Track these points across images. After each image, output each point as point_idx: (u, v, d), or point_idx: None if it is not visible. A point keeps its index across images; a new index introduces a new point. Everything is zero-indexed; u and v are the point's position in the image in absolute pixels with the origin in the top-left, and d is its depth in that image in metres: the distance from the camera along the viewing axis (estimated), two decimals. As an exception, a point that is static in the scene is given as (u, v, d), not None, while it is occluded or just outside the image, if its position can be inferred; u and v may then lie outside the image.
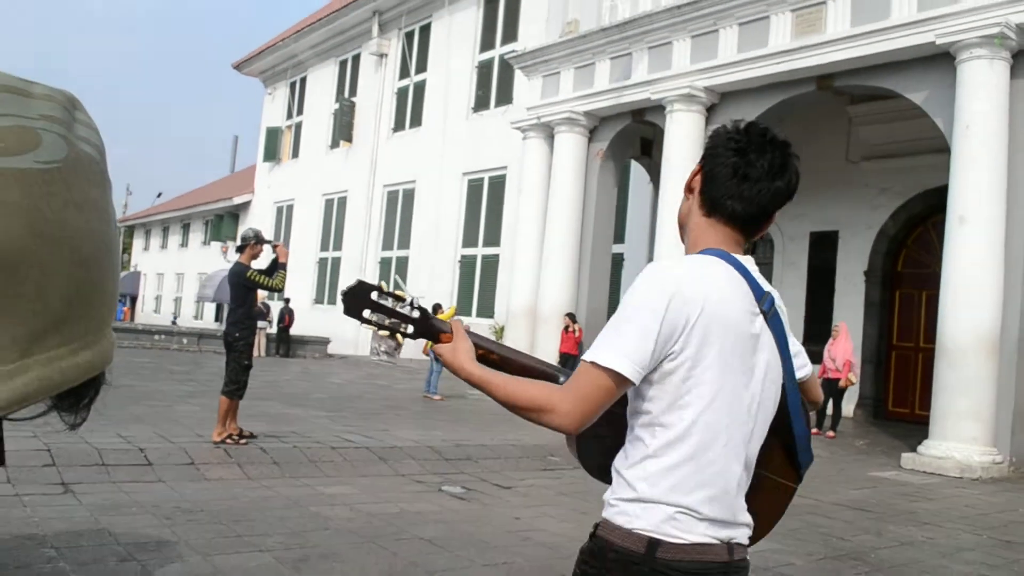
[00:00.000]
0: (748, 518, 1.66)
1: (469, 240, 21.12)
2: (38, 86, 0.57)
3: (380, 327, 1.79)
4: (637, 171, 16.44)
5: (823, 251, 14.71)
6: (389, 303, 1.77)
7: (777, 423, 1.71)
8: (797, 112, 12.38)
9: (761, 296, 1.65)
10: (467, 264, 21.02)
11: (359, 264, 24.78)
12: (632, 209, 17.05)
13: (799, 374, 1.78)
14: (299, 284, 25.59)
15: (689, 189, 1.74)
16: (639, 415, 1.62)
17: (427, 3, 23.24)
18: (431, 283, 21.64)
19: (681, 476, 1.58)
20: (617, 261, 16.29)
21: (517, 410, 1.58)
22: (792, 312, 14.96)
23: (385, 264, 24.09)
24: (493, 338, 18.12)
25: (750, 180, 1.66)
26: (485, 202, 20.72)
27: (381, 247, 24.38)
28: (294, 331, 22.55)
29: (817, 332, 14.10)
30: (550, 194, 13.98)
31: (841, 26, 10.37)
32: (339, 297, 1.70)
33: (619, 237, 16.12)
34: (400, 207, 23.81)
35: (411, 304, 1.78)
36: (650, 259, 13.60)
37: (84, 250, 0.54)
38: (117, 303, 0.60)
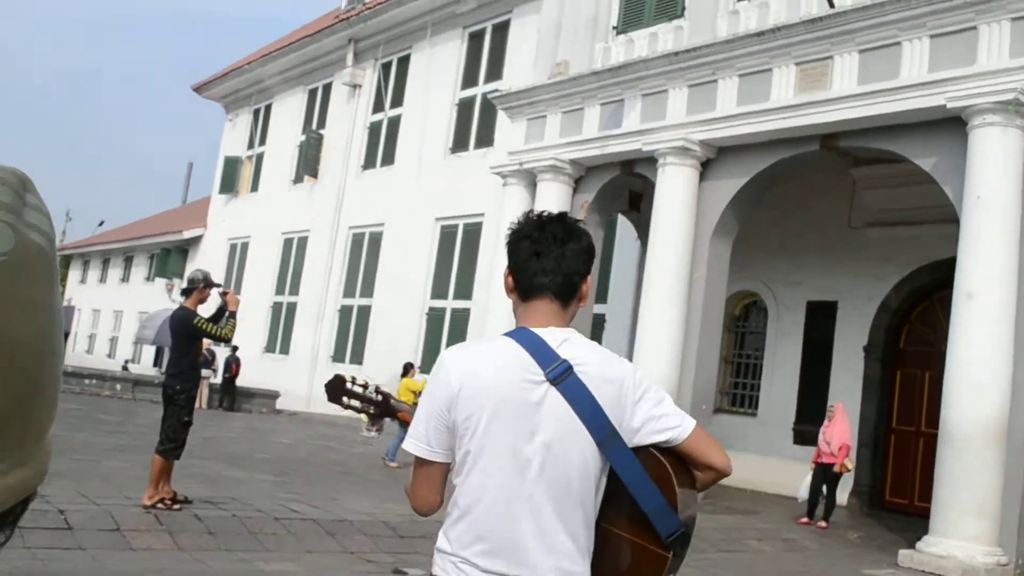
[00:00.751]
0: None
1: (439, 291, 21.09)
2: None
3: (353, 409, 2.51)
4: (624, 226, 16.54)
5: (821, 322, 14.81)
6: (359, 391, 2.49)
7: (613, 485, 2.01)
8: (798, 172, 12.55)
9: (549, 363, 1.97)
10: (435, 318, 20.97)
11: (317, 311, 24.66)
12: (617, 267, 17.12)
13: (659, 437, 2.02)
14: (249, 330, 25.35)
15: (509, 290, 2.13)
16: None
17: (407, 33, 23.51)
18: (394, 336, 21.53)
19: (460, 531, 1.99)
20: (598, 322, 16.32)
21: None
22: (786, 386, 15.00)
23: (345, 312, 23.98)
24: None
25: (543, 254, 2.06)
26: (458, 251, 20.76)
27: (342, 294, 24.28)
28: (240, 382, 22.33)
29: (811, 410, 14.13)
30: (529, 246, 14.06)
31: (848, 83, 10.57)
32: (317, 378, 2.61)
33: (601, 296, 16.17)
34: (365, 251, 23.79)
35: (375, 390, 2.51)
36: (634, 320, 13.62)
37: (26, 353, 0.52)
38: (56, 407, 0.58)
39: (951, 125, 9.82)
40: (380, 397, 2.50)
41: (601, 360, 2.04)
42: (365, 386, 2.51)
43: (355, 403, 2.49)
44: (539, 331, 2.03)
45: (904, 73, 10.07)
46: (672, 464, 2.01)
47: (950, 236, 10.19)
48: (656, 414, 2.03)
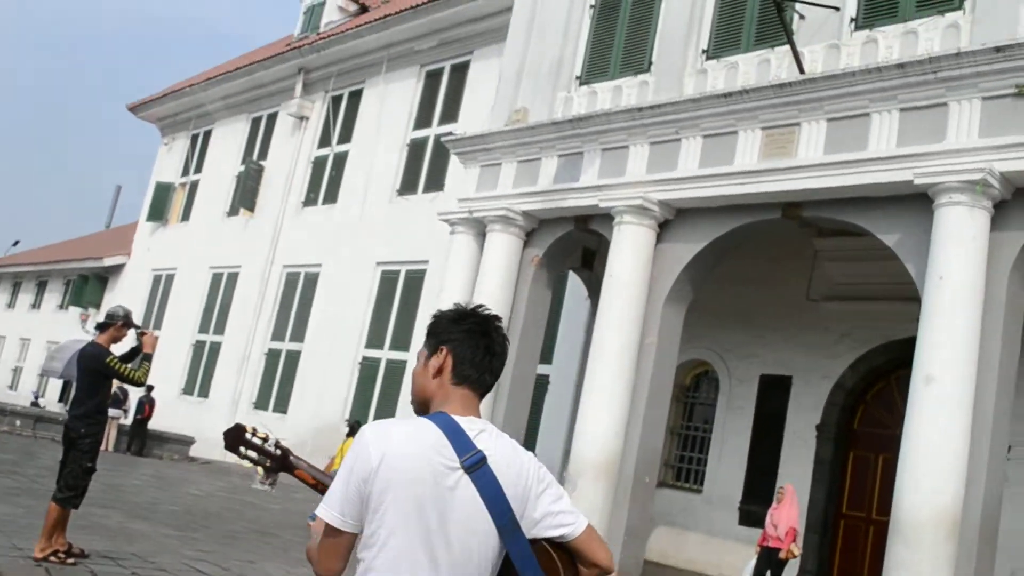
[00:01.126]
0: None
1: (375, 340, 20.90)
2: None
3: (250, 460, 2.65)
4: (574, 284, 16.58)
5: (773, 398, 14.91)
6: (258, 442, 2.64)
7: (506, 571, 2.25)
8: (758, 240, 12.70)
9: (465, 452, 2.22)
10: (368, 367, 20.75)
11: (242, 353, 24.27)
12: (564, 327, 17.12)
13: (555, 532, 2.32)
14: (167, 369, 24.87)
15: (438, 372, 2.37)
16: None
17: (361, 67, 23.57)
18: (323, 386, 21.23)
19: None
20: (541, 383, 16.25)
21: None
22: (734, 463, 15.02)
23: (272, 356, 23.63)
24: None
25: (497, 355, 2.41)
26: (398, 299, 20.62)
27: (271, 337, 23.95)
28: (153, 424, 21.81)
29: (759, 489, 14.15)
30: (474, 299, 13.97)
31: (813, 152, 10.75)
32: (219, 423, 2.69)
33: (546, 357, 16.13)
34: (299, 293, 23.54)
35: (275, 444, 2.65)
36: (579, 383, 13.57)
37: None
38: None
39: (917, 201, 10.00)
40: (279, 452, 2.65)
41: (511, 453, 2.31)
42: (265, 439, 2.65)
43: (252, 454, 2.64)
44: (459, 419, 2.28)
45: (872, 145, 10.26)
46: (561, 558, 2.32)
47: (910, 315, 10.34)
48: (554, 510, 2.33)
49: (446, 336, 2.39)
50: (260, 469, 2.68)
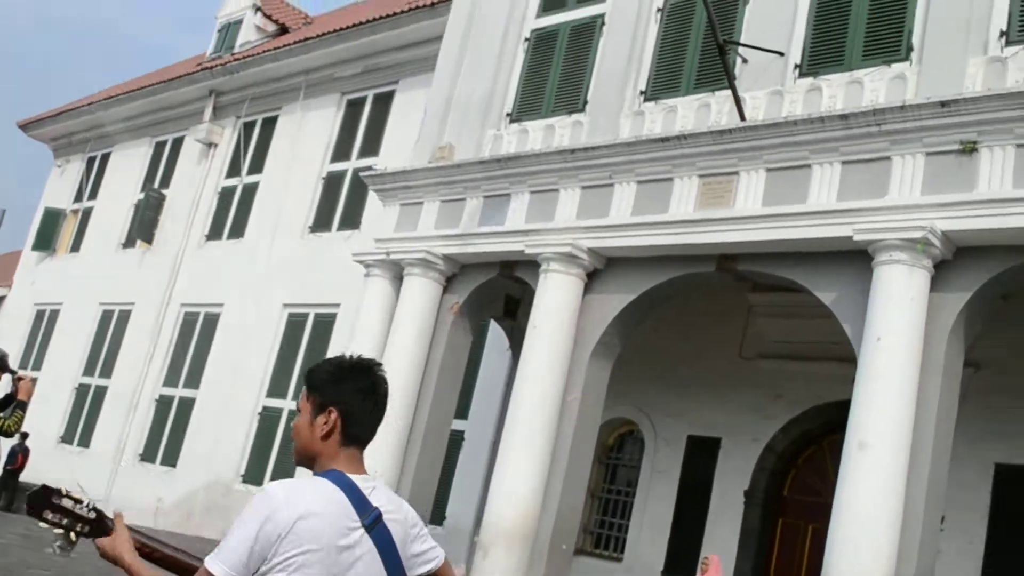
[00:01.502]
0: None
1: (277, 389, 20.49)
2: None
3: (58, 526, 2.57)
4: (495, 334, 16.50)
5: (700, 461, 14.92)
6: (69, 505, 2.57)
7: None
8: (691, 292, 12.78)
9: (365, 511, 2.49)
10: (269, 418, 20.32)
11: (130, 399, 23.60)
12: (483, 380, 16.99)
13: (425, 568, 2.72)
14: (44, 415, 24.03)
15: (327, 435, 2.57)
16: None
17: (277, 92, 23.37)
18: (218, 437, 20.74)
19: None
20: (456, 440, 16.08)
21: None
22: (657, 529, 14.97)
23: (164, 404, 23.02)
24: None
25: (382, 409, 2.66)
26: (305, 345, 20.28)
27: (163, 382, 23.34)
28: (26, 476, 21.03)
29: (683, 558, 14.11)
30: (387, 348, 13.79)
31: (752, 203, 10.89)
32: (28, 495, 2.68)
33: (462, 412, 15.96)
34: (197, 335, 23.02)
35: (88, 507, 2.59)
36: (496, 440, 13.46)
37: None
38: None
39: (856, 259, 10.15)
40: (94, 515, 2.62)
41: (397, 507, 2.64)
42: (79, 501, 2.59)
43: (58, 518, 2.56)
44: (354, 478, 2.54)
45: (812, 198, 10.43)
46: None
47: (845, 377, 10.45)
48: (425, 548, 2.74)
49: (334, 396, 2.58)
50: (72, 534, 2.59)
